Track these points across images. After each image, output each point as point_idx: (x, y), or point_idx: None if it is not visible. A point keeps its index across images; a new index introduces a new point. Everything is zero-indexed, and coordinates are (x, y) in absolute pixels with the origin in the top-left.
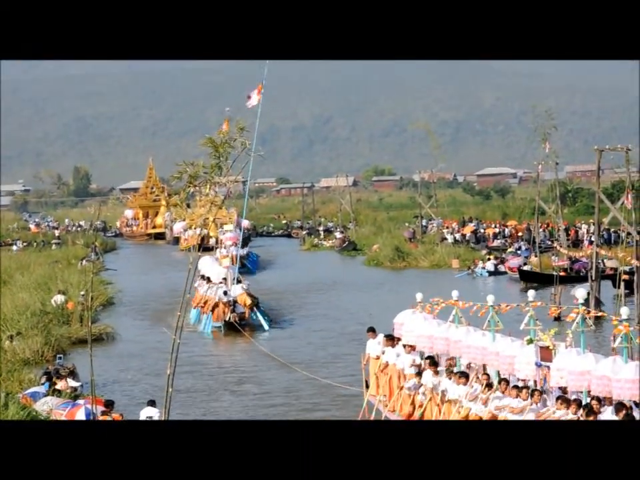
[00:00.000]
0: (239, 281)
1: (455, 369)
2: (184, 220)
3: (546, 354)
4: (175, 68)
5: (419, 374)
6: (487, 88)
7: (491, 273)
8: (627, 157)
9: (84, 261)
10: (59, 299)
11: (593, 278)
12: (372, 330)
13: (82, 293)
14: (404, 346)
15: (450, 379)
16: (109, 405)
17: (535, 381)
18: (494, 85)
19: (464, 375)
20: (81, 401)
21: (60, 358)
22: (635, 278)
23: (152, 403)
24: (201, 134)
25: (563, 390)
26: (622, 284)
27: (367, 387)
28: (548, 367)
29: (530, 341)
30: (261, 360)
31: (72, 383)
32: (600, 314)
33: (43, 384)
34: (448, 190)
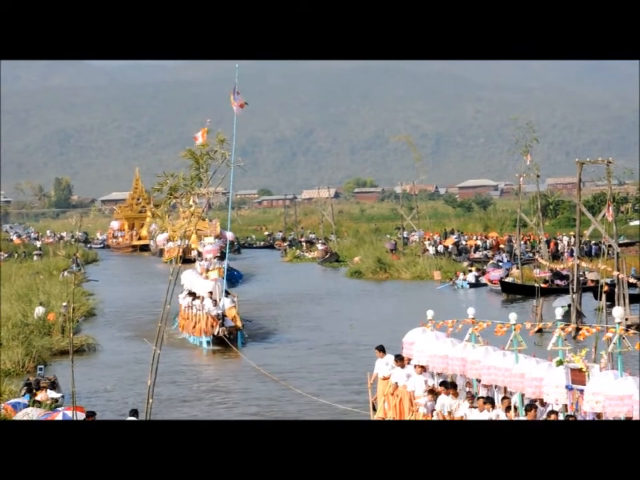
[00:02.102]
0: (227, 294)
1: (475, 392)
2: (166, 231)
3: (578, 376)
4: (156, 80)
5: (431, 392)
6: (468, 100)
7: (472, 285)
8: (608, 170)
9: (65, 272)
10: (40, 310)
11: (575, 290)
12: (381, 349)
13: (63, 304)
14: (415, 366)
15: (470, 403)
16: (91, 415)
17: (565, 405)
18: (475, 97)
19: (489, 401)
20: (60, 408)
21: (41, 369)
22: (616, 290)
23: (134, 413)
24: (182, 146)
25: (598, 415)
26: (603, 296)
27: (374, 409)
28: (580, 391)
29: (560, 363)
30: (244, 371)
31: (52, 394)
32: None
33: (23, 395)
34: (429, 202)
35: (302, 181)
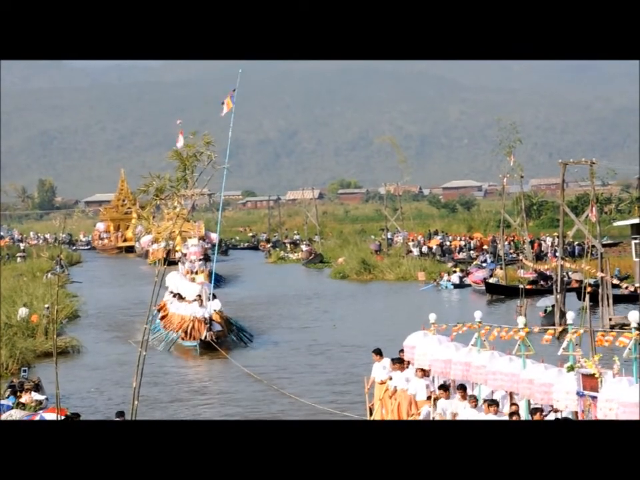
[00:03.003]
0: (214, 297)
1: (478, 396)
2: (150, 233)
3: (590, 383)
4: (139, 81)
5: (430, 398)
6: (452, 102)
7: (456, 286)
8: (591, 171)
9: (49, 274)
10: (23, 312)
11: (558, 290)
12: (378, 352)
13: (47, 305)
14: (416, 370)
15: (472, 406)
16: (75, 417)
17: (576, 412)
18: (459, 98)
19: (494, 403)
20: (40, 411)
21: (25, 371)
22: (600, 290)
23: (120, 414)
24: (166, 147)
25: None
26: (587, 296)
27: (371, 413)
28: (593, 397)
29: (571, 368)
30: (229, 372)
31: (36, 396)
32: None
33: (7, 397)
34: (414, 203)
35: (286, 182)
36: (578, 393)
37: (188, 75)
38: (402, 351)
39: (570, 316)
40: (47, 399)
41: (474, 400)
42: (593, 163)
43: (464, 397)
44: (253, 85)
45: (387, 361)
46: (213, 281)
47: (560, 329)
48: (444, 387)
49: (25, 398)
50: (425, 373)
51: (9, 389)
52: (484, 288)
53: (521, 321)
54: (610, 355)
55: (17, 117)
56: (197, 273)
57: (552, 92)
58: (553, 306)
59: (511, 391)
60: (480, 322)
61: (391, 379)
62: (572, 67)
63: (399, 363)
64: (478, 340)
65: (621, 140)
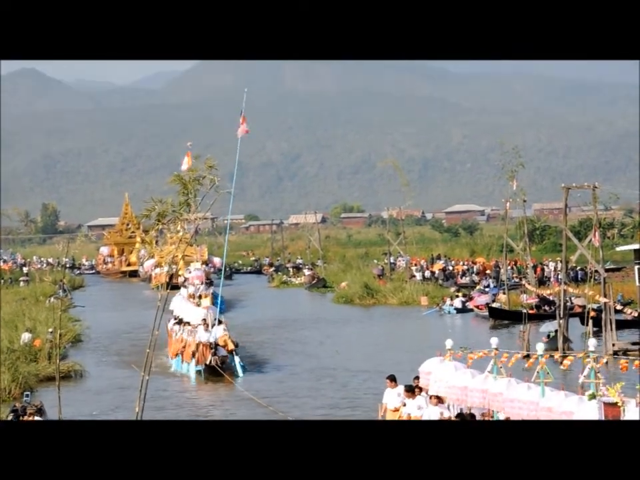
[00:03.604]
0: (219, 322)
1: None
2: (153, 257)
3: (612, 411)
4: (144, 104)
5: None
6: (454, 125)
7: (458, 310)
8: (594, 195)
9: (52, 298)
10: (26, 337)
11: (561, 315)
12: (392, 379)
13: (50, 330)
14: (430, 397)
15: None
16: None
17: None
18: (461, 122)
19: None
20: None
21: (27, 395)
22: (603, 315)
23: None
24: (170, 171)
25: None
26: (590, 321)
27: None
28: None
29: (592, 396)
30: (232, 397)
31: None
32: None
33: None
34: (416, 227)
35: (289, 205)
36: None
37: (191, 97)
38: (417, 378)
39: (592, 343)
40: None
41: None
42: (596, 187)
43: None
44: (256, 107)
45: (401, 388)
46: (219, 305)
47: (556, 354)
48: (461, 417)
49: None
50: (440, 400)
51: (12, 413)
52: (486, 313)
53: (540, 347)
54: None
55: (20, 139)
56: (200, 297)
57: (554, 114)
58: (556, 331)
59: (529, 419)
60: (496, 348)
61: (404, 405)
62: (574, 88)
63: (411, 390)
64: (494, 367)
65: (624, 164)
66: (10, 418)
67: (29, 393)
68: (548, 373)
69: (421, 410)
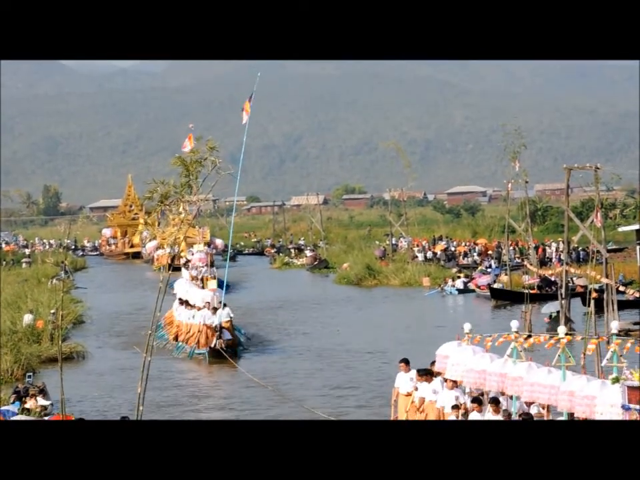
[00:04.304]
0: (224, 305)
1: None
2: (155, 239)
3: (637, 395)
4: (145, 87)
5: (456, 408)
6: (456, 107)
7: (460, 291)
8: (596, 176)
9: (54, 280)
10: (28, 318)
11: (563, 296)
12: (406, 361)
13: (52, 311)
14: (445, 381)
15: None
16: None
17: None
18: (463, 104)
19: (529, 417)
20: (47, 417)
21: (30, 377)
22: (605, 296)
23: (125, 419)
24: (171, 153)
25: None
26: (592, 302)
27: None
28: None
29: (616, 380)
30: (233, 377)
31: (42, 401)
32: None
33: (12, 403)
34: (418, 208)
35: (290, 187)
36: (623, 407)
37: (193, 80)
38: (433, 362)
39: (614, 325)
40: (52, 404)
41: (507, 415)
42: (598, 168)
43: (496, 411)
44: (258, 90)
45: (413, 372)
46: (224, 288)
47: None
48: (478, 401)
49: (30, 403)
50: (455, 384)
51: (14, 395)
52: (488, 293)
53: (561, 330)
54: None
55: (21, 122)
56: (202, 279)
57: (556, 96)
58: (558, 312)
59: (549, 403)
60: (516, 332)
61: (416, 389)
62: (576, 71)
63: (427, 374)
64: (514, 350)
65: (626, 145)
66: (12, 399)
67: (31, 374)
68: (569, 357)
69: (435, 394)
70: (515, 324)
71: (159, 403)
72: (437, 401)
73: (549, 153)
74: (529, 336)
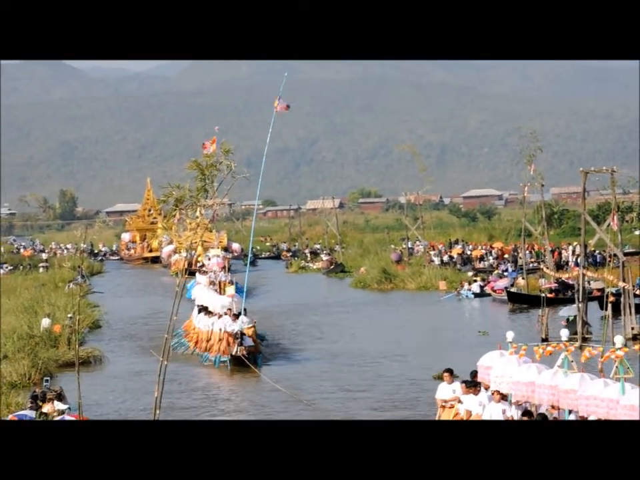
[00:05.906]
0: (245, 312)
1: None
2: (172, 243)
3: None
4: (160, 91)
5: None
6: (471, 110)
7: (476, 295)
8: (612, 179)
9: (71, 284)
10: (46, 322)
11: (580, 300)
12: (450, 372)
13: (69, 315)
14: (492, 393)
15: None
16: None
17: None
18: (479, 107)
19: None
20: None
21: (47, 381)
22: (622, 299)
23: None
24: (187, 157)
25: None
26: (609, 305)
27: None
28: None
29: None
30: (250, 381)
31: (59, 405)
32: None
33: (29, 408)
34: (434, 212)
35: (306, 191)
36: None
37: (206, 84)
38: (475, 373)
39: (619, 340)
40: (69, 408)
41: None
42: (614, 171)
43: None
44: (272, 94)
45: (457, 384)
46: (244, 294)
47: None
48: (528, 414)
49: (47, 407)
50: (503, 397)
51: (31, 399)
52: (505, 297)
53: (619, 340)
54: None
55: (37, 127)
56: (220, 284)
57: (572, 100)
58: (575, 315)
59: (607, 418)
60: (567, 341)
61: (460, 402)
62: (591, 75)
63: (473, 386)
64: (565, 360)
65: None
66: (29, 404)
67: (48, 378)
68: (628, 368)
69: (481, 407)
70: (565, 332)
71: (178, 406)
72: (484, 415)
73: (564, 157)
74: (546, 339)
